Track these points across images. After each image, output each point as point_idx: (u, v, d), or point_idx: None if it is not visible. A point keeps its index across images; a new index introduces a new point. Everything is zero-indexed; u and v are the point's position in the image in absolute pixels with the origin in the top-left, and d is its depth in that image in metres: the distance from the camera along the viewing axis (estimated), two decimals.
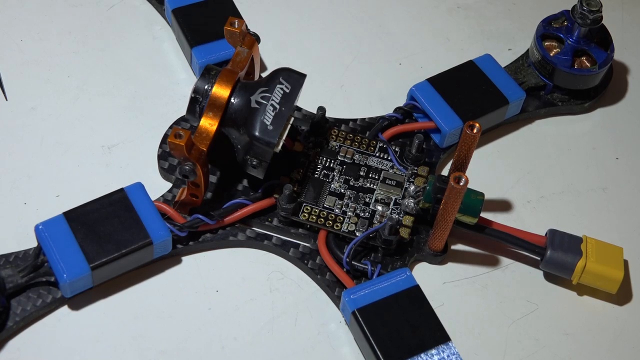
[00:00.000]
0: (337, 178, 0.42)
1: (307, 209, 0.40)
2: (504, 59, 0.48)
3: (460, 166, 0.40)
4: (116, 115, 0.45)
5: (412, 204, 0.40)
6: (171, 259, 0.40)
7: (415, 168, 0.42)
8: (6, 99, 0.45)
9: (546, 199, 0.44)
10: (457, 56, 0.48)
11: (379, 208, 0.41)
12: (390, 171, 0.42)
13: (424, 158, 0.42)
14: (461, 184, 0.36)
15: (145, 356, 0.38)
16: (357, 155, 0.42)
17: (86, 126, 0.44)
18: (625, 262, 0.41)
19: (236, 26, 0.40)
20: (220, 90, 0.39)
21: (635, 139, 0.47)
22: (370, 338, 0.37)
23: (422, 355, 0.36)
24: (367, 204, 0.41)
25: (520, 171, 0.45)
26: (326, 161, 0.42)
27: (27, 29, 0.48)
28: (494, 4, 0.51)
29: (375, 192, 0.41)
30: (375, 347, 0.36)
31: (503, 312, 0.40)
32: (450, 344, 0.37)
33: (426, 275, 0.41)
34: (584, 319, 0.40)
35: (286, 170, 0.41)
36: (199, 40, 0.45)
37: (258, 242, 0.41)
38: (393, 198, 0.41)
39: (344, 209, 0.41)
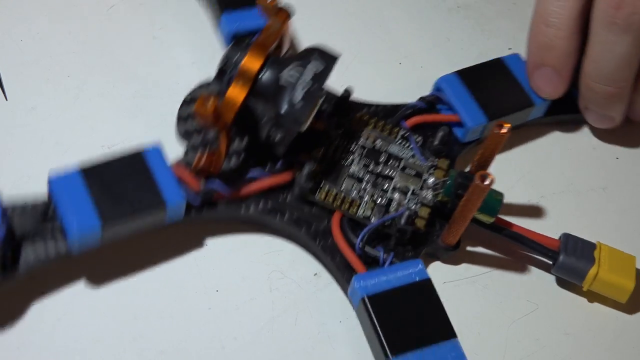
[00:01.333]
0: (357, 161, 0.41)
1: (324, 189, 0.40)
2: None
3: (484, 164, 0.40)
4: (116, 115, 0.45)
5: (431, 196, 0.40)
6: (171, 258, 0.40)
7: (436, 160, 0.42)
8: (6, 99, 0.45)
9: (546, 199, 0.44)
10: (458, 56, 0.48)
11: (396, 196, 0.41)
12: (411, 160, 0.42)
13: (445, 150, 0.42)
14: (486, 182, 0.36)
15: (145, 356, 0.38)
16: (378, 141, 0.42)
17: (86, 126, 0.44)
18: (637, 272, 0.40)
19: None
20: (251, 62, 0.38)
21: (635, 139, 0.47)
22: (378, 326, 0.37)
23: (427, 349, 0.36)
24: (384, 191, 0.41)
25: (520, 171, 0.45)
26: (347, 143, 0.42)
27: (27, 29, 0.48)
28: (494, 4, 0.51)
29: (394, 180, 0.41)
30: (382, 336, 0.36)
31: (503, 312, 0.40)
32: (456, 340, 0.37)
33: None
34: (584, 319, 0.40)
35: (306, 147, 0.41)
36: (229, 6, 0.45)
37: (271, 217, 0.40)
38: (411, 188, 0.41)
39: (361, 193, 0.40)
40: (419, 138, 0.43)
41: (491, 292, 0.41)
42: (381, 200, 0.40)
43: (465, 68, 0.44)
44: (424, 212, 0.40)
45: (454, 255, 0.41)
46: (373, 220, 0.40)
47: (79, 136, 0.44)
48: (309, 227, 0.40)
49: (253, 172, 0.40)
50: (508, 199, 0.44)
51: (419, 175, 0.41)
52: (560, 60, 0.43)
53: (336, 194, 0.40)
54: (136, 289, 0.40)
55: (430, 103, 0.44)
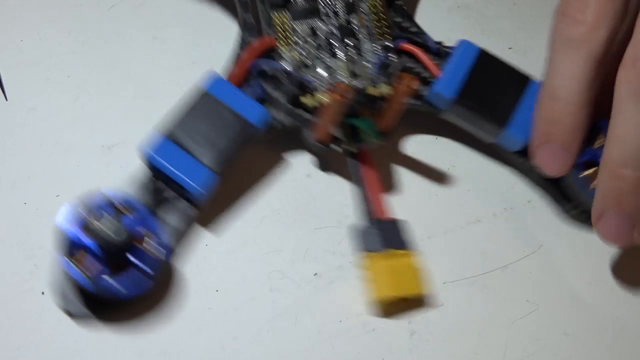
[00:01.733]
0: (327, 26, 0.43)
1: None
2: (505, 58, 0.47)
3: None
4: (116, 115, 0.45)
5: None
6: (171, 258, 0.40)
7: (382, 81, 0.42)
8: (6, 99, 0.45)
9: (546, 199, 0.44)
10: None
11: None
12: (365, 63, 0.43)
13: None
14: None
15: (145, 356, 0.38)
16: (362, 28, 0.44)
17: (86, 126, 0.44)
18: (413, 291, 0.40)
19: None
20: None
21: None
22: (479, 112, 0.41)
23: (521, 103, 0.41)
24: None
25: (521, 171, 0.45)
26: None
27: (27, 29, 0.48)
28: (494, 4, 0.51)
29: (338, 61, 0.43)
30: (486, 117, 0.41)
31: (503, 312, 0.40)
32: (533, 81, 0.42)
33: (426, 276, 0.41)
34: (584, 319, 0.40)
35: None
36: None
37: None
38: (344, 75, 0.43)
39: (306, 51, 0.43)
40: (395, 59, 0.43)
41: (491, 292, 0.41)
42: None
43: (493, 55, 0.43)
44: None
45: (454, 255, 0.41)
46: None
47: (79, 136, 0.44)
48: None
49: None
50: (508, 198, 0.44)
51: (354, 75, 0.42)
52: (567, 135, 0.39)
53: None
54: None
55: (438, 52, 0.44)
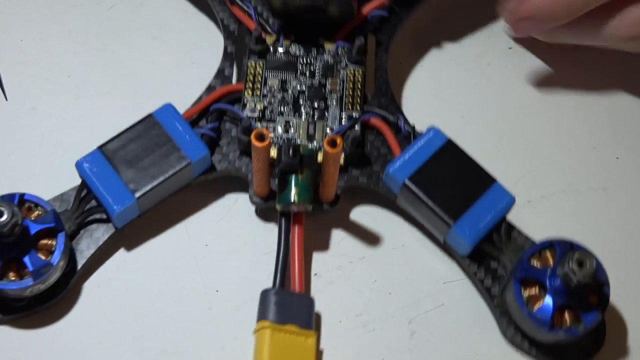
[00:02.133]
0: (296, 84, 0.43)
1: None
2: (505, 58, 0.48)
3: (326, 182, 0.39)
4: (116, 115, 0.45)
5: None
6: (171, 258, 0.40)
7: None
8: (6, 99, 0.45)
9: (546, 199, 0.44)
10: (457, 55, 0.48)
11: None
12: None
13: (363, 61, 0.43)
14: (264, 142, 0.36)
15: (145, 356, 0.38)
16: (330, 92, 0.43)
17: (86, 126, 0.44)
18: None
19: None
20: None
21: (635, 139, 0.47)
22: (429, 203, 0.38)
23: (477, 202, 0.38)
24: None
25: (521, 171, 0.45)
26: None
27: (27, 29, 0.48)
28: (494, 4, 0.51)
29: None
30: (435, 210, 0.38)
31: None
32: (497, 183, 0.39)
33: (426, 275, 0.41)
34: None
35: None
36: None
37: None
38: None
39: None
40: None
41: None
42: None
43: (460, 148, 0.40)
44: None
45: (453, 255, 0.41)
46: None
47: (79, 136, 0.44)
48: None
49: None
50: None
51: (309, 137, 0.41)
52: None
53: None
54: (136, 289, 0.40)
55: (408, 136, 0.42)
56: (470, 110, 0.46)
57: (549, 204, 0.44)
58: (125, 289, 0.40)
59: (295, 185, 0.38)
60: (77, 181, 0.42)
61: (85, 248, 0.39)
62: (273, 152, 0.40)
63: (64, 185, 0.41)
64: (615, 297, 0.41)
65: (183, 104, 0.45)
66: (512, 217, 0.43)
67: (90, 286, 0.40)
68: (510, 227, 0.40)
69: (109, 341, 0.38)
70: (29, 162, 0.43)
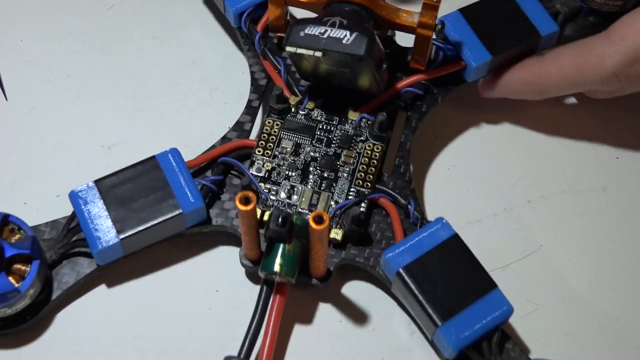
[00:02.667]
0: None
1: None
2: None
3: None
4: (116, 115, 0.45)
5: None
6: (171, 258, 0.40)
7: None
8: (6, 99, 0.45)
9: (546, 199, 0.44)
10: None
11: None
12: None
13: (387, 135, 0.41)
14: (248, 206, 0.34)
15: (145, 356, 0.38)
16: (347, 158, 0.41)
17: (86, 126, 0.44)
18: None
19: None
20: None
21: (635, 139, 0.47)
22: (420, 297, 0.36)
23: (472, 306, 0.36)
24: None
25: (521, 171, 0.45)
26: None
27: (27, 29, 0.48)
28: None
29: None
30: (426, 306, 0.36)
31: None
32: (497, 290, 0.37)
33: None
34: (584, 319, 0.40)
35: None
36: None
37: None
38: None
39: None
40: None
41: None
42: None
43: (464, 245, 0.38)
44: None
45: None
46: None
47: (79, 136, 0.44)
48: None
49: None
50: (508, 198, 0.44)
51: (311, 206, 0.39)
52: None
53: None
54: (137, 289, 0.40)
55: (416, 223, 0.39)
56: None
57: (549, 204, 0.44)
58: (125, 288, 0.40)
59: (281, 256, 0.36)
60: (78, 181, 0.42)
61: (65, 279, 0.38)
62: (267, 215, 0.39)
63: (64, 185, 0.41)
64: (616, 297, 0.41)
65: (182, 104, 0.45)
66: (513, 217, 0.43)
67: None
68: (505, 338, 0.37)
69: (109, 340, 0.38)
70: (29, 162, 0.43)
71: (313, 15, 0.42)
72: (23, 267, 0.36)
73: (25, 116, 0.44)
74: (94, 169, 0.43)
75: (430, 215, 0.43)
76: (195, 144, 0.44)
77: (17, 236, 0.37)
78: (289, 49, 0.39)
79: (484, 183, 0.44)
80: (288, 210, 0.39)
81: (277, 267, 0.36)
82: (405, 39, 0.43)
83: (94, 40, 0.47)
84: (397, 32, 0.44)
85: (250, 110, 0.42)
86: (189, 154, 0.43)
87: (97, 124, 0.44)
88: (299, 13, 0.44)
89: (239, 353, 0.36)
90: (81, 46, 0.47)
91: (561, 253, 0.42)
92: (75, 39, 0.47)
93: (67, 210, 0.38)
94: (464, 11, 0.43)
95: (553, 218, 0.43)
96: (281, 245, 0.36)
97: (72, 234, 0.38)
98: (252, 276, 0.40)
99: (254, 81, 0.43)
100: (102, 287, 0.39)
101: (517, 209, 0.44)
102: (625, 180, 0.45)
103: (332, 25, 0.38)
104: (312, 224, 0.34)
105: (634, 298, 0.41)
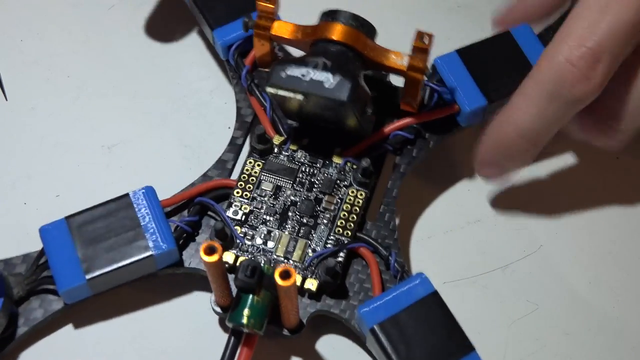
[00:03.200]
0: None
1: None
2: None
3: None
4: (116, 115, 0.45)
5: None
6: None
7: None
8: (6, 99, 0.45)
9: (547, 199, 0.44)
10: None
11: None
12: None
13: (370, 181, 0.39)
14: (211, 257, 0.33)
15: (145, 356, 0.38)
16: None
17: (86, 126, 0.44)
18: None
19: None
20: None
21: (635, 139, 0.47)
22: (392, 355, 0.34)
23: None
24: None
25: (520, 171, 0.45)
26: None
27: (27, 29, 0.48)
28: (494, 4, 0.51)
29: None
30: None
31: (503, 312, 0.40)
32: (474, 354, 0.35)
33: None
34: (584, 319, 0.40)
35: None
36: (218, 23, 0.43)
37: None
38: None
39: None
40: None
41: (491, 292, 0.41)
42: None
43: (443, 302, 0.37)
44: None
45: (453, 256, 0.41)
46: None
47: (79, 136, 0.44)
48: None
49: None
50: (508, 198, 0.44)
51: (287, 253, 0.38)
52: (515, 167, 0.40)
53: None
54: (136, 289, 0.39)
55: (396, 275, 0.38)
56: None
57: (549, 204, 0.44)
58: (124, 288, 0.39)
59: (249, 307, 0.34)
60: (78, 181, 0.42)
61: (31, 316, 0.37)
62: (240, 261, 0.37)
63: (64, 185, 0.41)
64: (616, 297, 0.41)
65: (182, 104, 0.45)
66: (513, 217, 0.43)
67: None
68: None
69: (109, 341, 0.38)
70: (29, 162, 0.43)
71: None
72: None
73: (25, 116, 0.44)
74: (94, 169, 0.43)
75: (431, 215, 0.43)
76: (195, 144, 0.44)
77: None
78: (269, 90, 0.37)
79: (483, 183, 0.44)
80: (260, 258, 0.38)
81: (244, 319, 0.34)
82: (398, 79, 0.41)
83: (94, 40, 0.48)
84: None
85: (233, 148, 0.41)
86: (189, 154, 0.43)
87: (97, 124, 0.44)
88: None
89: None
90: (81, 46, 0.47)
91: (561, 253, 0.42)
92: (75, 39, 0.47)
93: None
94: (462, 52, 0.42)
95: (553, 218, 0.43)
96: (250, 297, 0.35)
97: (40, 270, 0.37)
98: (223, 323, 0.39)
99: (239, 117, 0.42)
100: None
101: (511, 212, 0.44)
102: (625, 180, 0.45)
103: (315, 67, 0.37)
104: (278, 280, 0.33)
105: (634, 298, 0.41)
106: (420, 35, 0.38)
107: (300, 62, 0.37)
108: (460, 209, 0.43)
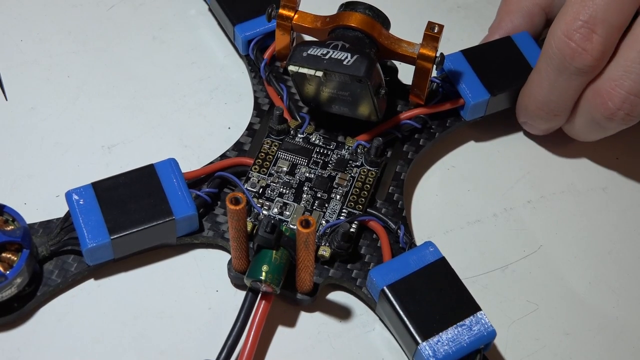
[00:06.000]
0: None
1: None
2: None
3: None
4: (116, 115, 0.45)
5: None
6: (171, 259, 0.40)
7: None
8: (6, 99, 0.45)
9: (546, 199, 0.44)
10: None
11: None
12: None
13: (382, 161, 0.42)
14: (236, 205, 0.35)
15: (145, 356, 0.38)
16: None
17: (86, 126, 0.44)
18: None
19: None
20: None
21: (635, 139, 0.47)
22: (402, 314, 0.36)
23: (455, 327, 0.36)
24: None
25: (520, 171, 0.45)
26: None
27: (27, 29, 0.48)
28: (494, 4, 0.51)
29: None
30: (408, 324, 0.36)
31: (503, 312, 0.40)
32: (481, 313, 0.37)
33: None
34: (584, 319, 0.40)
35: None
36: (240, 19, 0.46)
37: None
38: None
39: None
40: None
41: (491, 292, 0.41)
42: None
43: (451, 268, 0.38)
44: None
45: (453, 256, 0.41)
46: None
47: (79, 136, 0.44)
48: None
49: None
50: (508, 199, 0.44)
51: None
52: (548, 129, 0.45)
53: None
54: (136, 289, 0.40)
55: (404, 248, 0.40)
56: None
57: (549, 204, 0.44)
58: (125, 288, 0.40)
59: (268, 263, 0.36)
60: (78, 181, 0.42)
61: (54, 276, 0.38)
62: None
63: (64, 185, 0.41)
64: (616, 297, 0.41)
65: (182, 104, 0.45)
66: (513, 217, 0.43)
67: (89, 285, 0.39)
68: None
69: (108, 341, 0.38)
70: (29, 162, 0.43)
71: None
72: (12, 257, 0.37)
73: (25, 116, 0.44)
74: (94, 169, 0.43)
75: (431, 215, 0.43)
76: (195, 144, 0.44)
77: (11, 227, 0.38)
78: (291, 67, 0.39)
79: (483, 183, 0.44)
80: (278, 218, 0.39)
81: (262, 275, 0.36)
82: (406, 77, 0.44)
83: (94, 40, 0.48)
84: (399, 70, 0.45)
85: (251, 132, 0.43)
86: (189, 154, 0.44)
87: (97, 124, 0.44)
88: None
89: (217, 358, 0.36)
90: (81, 46, 0.47)
91: (561, 253, 0.42)
92: (75, 39, 0.47)
93: (66, 211, 0.38)
94: (466, 52, 0.45)
95: (553, 218, 0.43)
96: (269, 253, 0.36)
97: (64, 232, 0.38)
98: (239, 287, 0.40)
99: (257, 106, 0.44)
100: (101, 287, 0.39)
101: (517, 209, 0.44)
102: (625, 180, 0.45)
103: (335, 47, 0.39)
104: (299, 227, 0.34)
105: (634, 298, 0.41)
106: (431, 24, 0.41)
107: (320, 44, 0.40)
108: (460, 209, 0.43)
